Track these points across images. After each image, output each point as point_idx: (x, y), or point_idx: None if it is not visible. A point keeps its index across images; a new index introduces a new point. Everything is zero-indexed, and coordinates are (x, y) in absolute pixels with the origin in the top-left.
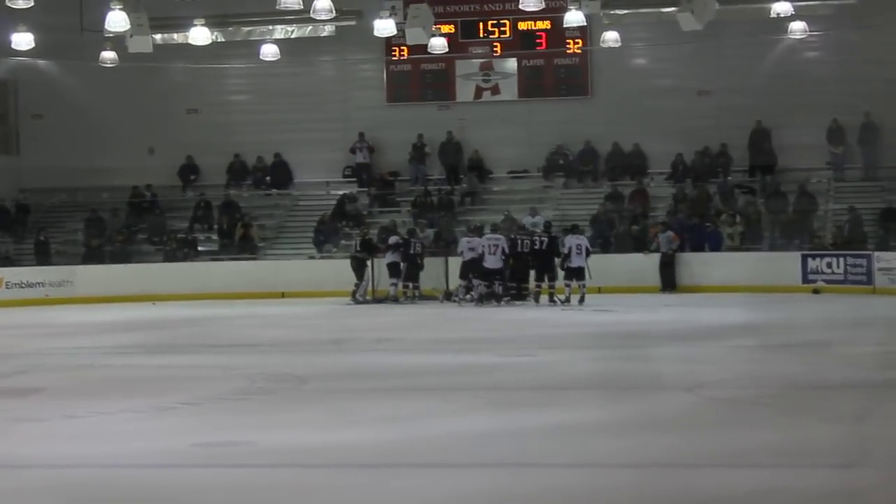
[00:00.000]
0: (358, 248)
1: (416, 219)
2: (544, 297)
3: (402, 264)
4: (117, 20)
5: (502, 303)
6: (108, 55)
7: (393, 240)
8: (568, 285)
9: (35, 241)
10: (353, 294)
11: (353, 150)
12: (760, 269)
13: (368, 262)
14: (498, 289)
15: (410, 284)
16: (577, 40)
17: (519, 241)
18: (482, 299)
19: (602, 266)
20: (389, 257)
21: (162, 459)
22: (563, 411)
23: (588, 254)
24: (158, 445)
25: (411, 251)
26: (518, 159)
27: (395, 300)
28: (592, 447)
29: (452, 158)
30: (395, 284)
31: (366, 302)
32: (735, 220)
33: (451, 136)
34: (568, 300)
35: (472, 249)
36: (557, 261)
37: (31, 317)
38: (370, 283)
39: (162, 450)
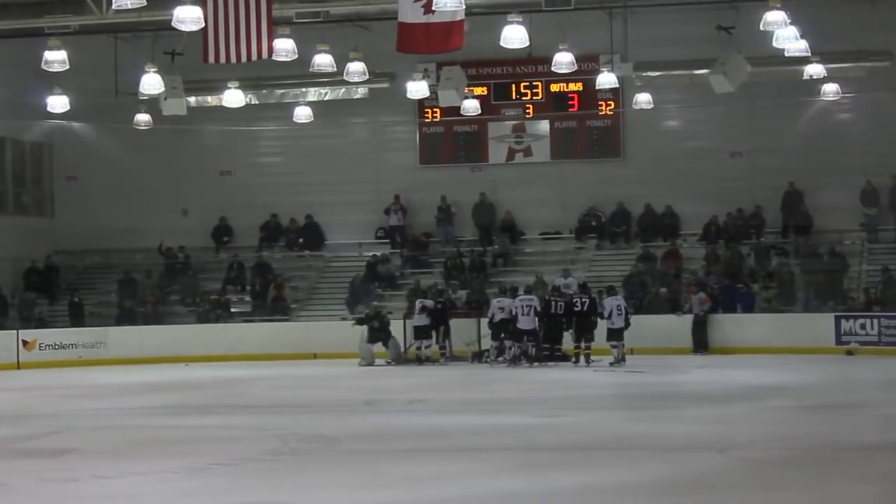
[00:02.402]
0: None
1: (448, 280)
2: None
3: (432, 325)
4: (152, 83)
5: (535, 364)
6: (143, 117)
7: (429, 304)
8: (615, 346)
9: (69, 303)
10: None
11: (387, 212)
12: (794, 331)
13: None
14: (530, 350)
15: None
16: (609, 102)
17: (553, 303)
18: (514, 360)
19: (634, 327)
20: (418, 319)
21: None
22: (594, 472)
23: (628, 313)
24: None
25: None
26: (550, 220)
27: (428, 360)
28: None
29: (485, 220)
30: (428, 346)
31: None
32: (768, 282)
33: (483, 198)
34: (623, 360)
35: (503, 310)
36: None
37: (64, 378)
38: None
39: None
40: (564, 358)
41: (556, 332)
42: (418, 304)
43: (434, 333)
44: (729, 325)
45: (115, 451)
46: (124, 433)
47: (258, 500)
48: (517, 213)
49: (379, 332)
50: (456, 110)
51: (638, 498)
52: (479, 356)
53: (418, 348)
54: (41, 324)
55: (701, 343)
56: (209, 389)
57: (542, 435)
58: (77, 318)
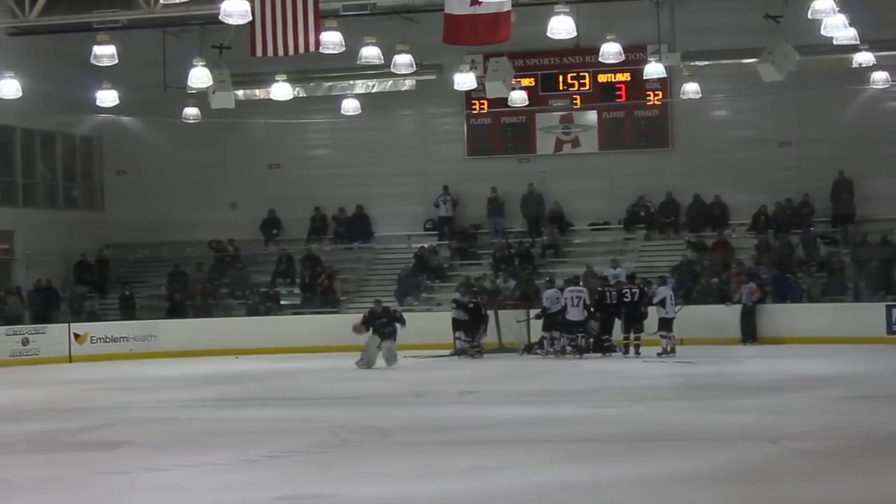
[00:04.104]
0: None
1: (497, 271)
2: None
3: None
4: (200, 77)
5: (584, 355)
6: (191, 111)
7: (463, 300)
8: (665, 336)
9: (120, 296)
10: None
11: (436, 204)
12: (844, 320)
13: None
14: (580, 341)
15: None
16: (657, 92)
17: (607, 294)
18: (564, 351)
19: (684, 317)
20: (455, 313)
21: None
22: (645, 463)
23: (677, 304)
24: (242, 498)
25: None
26: (599, 211)
27: (463, 353)
28: (674, 499)
29: (533, 211)
30: (467, 340)
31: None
32: (818, 272)
33: (531, 189)
34: (673, 351)
35: (553, 301)
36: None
37: (116, 371)
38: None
39: (245, 503)
40: (614, 349)
41: (607, 323)
42: (452, 300)
43: (473, 328)
44: (778, 315)
45: (166, 443)
46: (176, 425)
47: (308, 492)
48: (565, 204)
49: (384, 330)
50: (503, 101)
51: (690, 489)
52: (528, 348)
53: (458, 339)
54: (92, 317)
55: (750, 333)
56: (259, 382)
57: (594, 426)
58: (128, 311)
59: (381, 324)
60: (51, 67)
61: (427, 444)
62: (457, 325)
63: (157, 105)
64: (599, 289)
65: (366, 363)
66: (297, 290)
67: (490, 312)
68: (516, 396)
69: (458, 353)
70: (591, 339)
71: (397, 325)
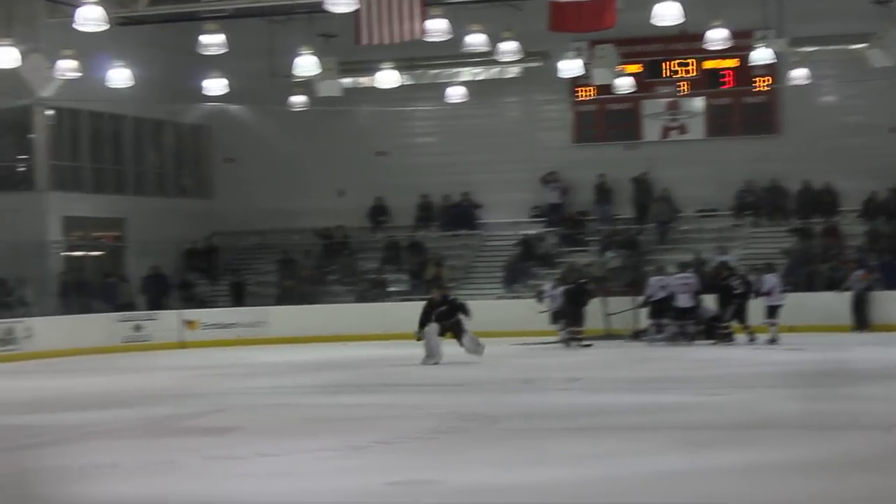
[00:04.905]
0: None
1: (604, 258)
2: (736, 336)
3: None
4: (307, 65)
5: (694, 342)
6: (298, 99)
7: (548, 288)
8: (773, 324)
9: (230, 283)
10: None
11: (544, 184)
12: None
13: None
14: (689, 328)
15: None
16: (764, 78)
17: (731, 281)
18: (673, 338)
19: (794, 304)
20: (549, 304)
21: (355, 498)
22: (756, 451)
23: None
24: (352, 484)
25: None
26: (706, 198)
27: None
28: (785, 487)
29: (641, 197)
30: (572, 331)
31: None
32: None
33: (639, 176)
34: (777, 339)
35: (662, 288)
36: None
37: (226, 357)
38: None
39: (355, 489)
40: (726, 337)
41: (737, 311)
42: (541, 291)
43: (573, 316)
44: (890, 302)
45: (277, 429)
46: (286, 412)
47: (418, 478)
48: (673, 191)
49: (445, 321)
50: (609, 88)
51: (800, 478)
52: (636, 335)
53: (560, 329)
54: (202, 304)
55: (862, 320)
56: (368, 368)
57: (702, 413)
58: (238, 298)
59: (442, 313)
60: (160, 57)
61: (535, 431)
62: (555, 316)
63: (264, 93)
64: (724, 275)
65: (429, 356)
66: (404, 277)
67: (597, 300)
68: (624, 383)
69: (565, 341)
70: (702, 326)
71: (461, 316)
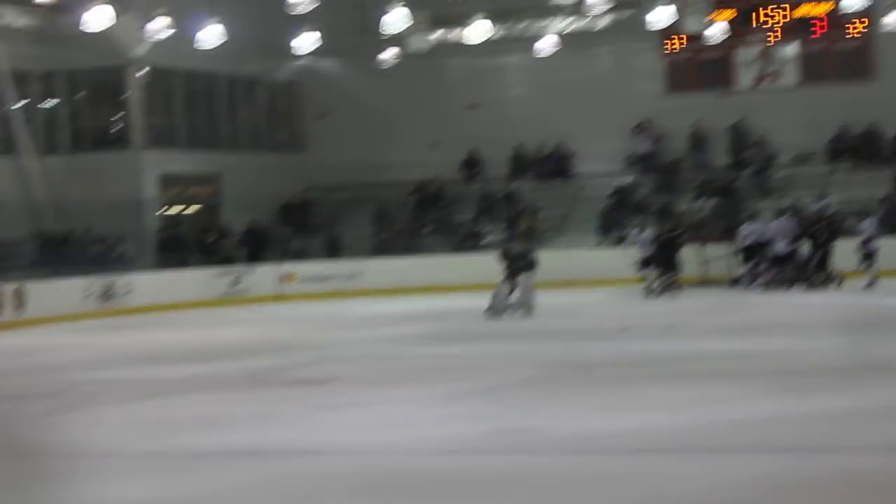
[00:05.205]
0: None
1: (699, 206)
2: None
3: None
4: (397, 19)
5: (791, 288)
6: (389, 53)
7: (642, 235)
8: (870, 268)
9: (325, 236)
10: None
11: (636, 138)
12: None
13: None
14: (786, 274)
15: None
16: (858, 22)
17: (822, 227)
18: (770, 285)
19: (891, 250)
20: (640, 250)
21: (454, 447)
22: (855, 396)
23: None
24: (450, 432)
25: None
26: (801, 144)
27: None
28: (886, 432)
29: (736, 145)
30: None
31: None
32: None
33: (733, 124)
34: (872, 284)
35: (756, 235)
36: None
37: (323, 309)
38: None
39: (455, 437)
40: (829, 280)
41: (821, 256)
42: (632, 236)
43: (666, 263)
44: None
45: (375, 379)
46: (383, 362)
47: (516, 426)
48: (768, 138)
49: (516, 266)
50: (700, 37)
51: None
52: (734, 282)
53: (643, 278)
54: (298, 257)
55: None
56: (464, 318)
57: (801, 359)
58: (333, 251)
59: (517, 260)
60: (251, 14)
61: (632, 378)
62: (643, 263)
63: (354, 49)
64: (813, 221)
65: (494, 311)
66: (499, 228)
67: (693, 247)
68: (723, 330)
69: (651, 290)
70: (800, 272)
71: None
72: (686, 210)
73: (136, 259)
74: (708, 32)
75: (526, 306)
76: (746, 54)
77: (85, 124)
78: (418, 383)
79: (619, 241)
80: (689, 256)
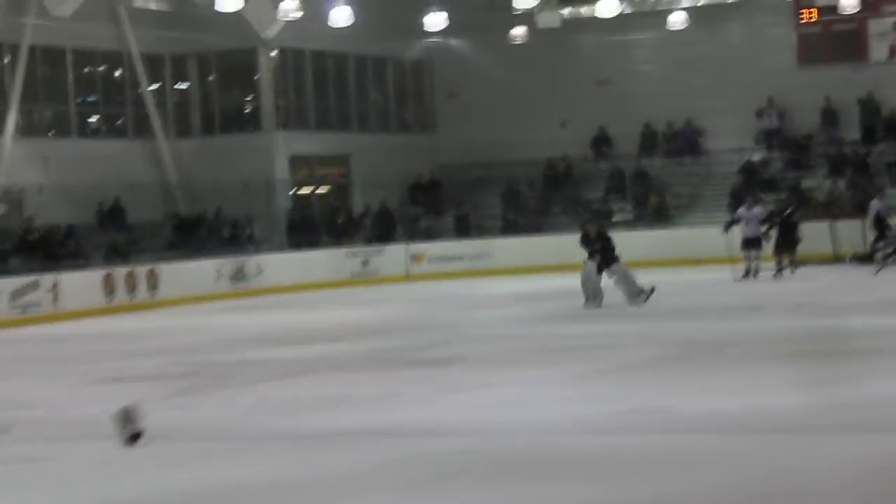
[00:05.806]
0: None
1: (832, 182)
2: None
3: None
4: None
5: None
6: (518, 31)
7: (748, 214)
8: None
9: (454, 216)
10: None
11: (759, 114)
12: None
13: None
14: None
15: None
16: None
17: None
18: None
19: None
20: (745, 230)
21: (583, 427)
22: None
23: None
24: (578, 412)
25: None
26: None
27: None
28: None
29: (868, 119)
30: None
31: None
32: None
33: (867, 97)
34: None
35: (884, 210)
36: None
37: (452, 289)
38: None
39: (583, 417)
40: None
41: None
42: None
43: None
44: None
45: (502, 360)
46: (511, 342)
47: (644, 406)
48: None
49: (603, 258)
50: (833, 9)
51: None
52: (862, 259)
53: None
54: (428, 237)
55: None
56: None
57: None
58: (463, 230)
59: (597, 249)
60: None
61: (763, 357)
62: (746, 244)
63: (484, 26)
64: None
65: (592, 298)
66: (629, 206)
67: (825, 223)
68: (854, 308)
69: (748, 273)
70: None
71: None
72: (815, 186)
73: (266, 240)
74: (841, 3)
75: (636, 294)
76: (879, 26)
77: (216, 106)
78: (546, 363)
79: (730, 224)
80: (821, 233)
